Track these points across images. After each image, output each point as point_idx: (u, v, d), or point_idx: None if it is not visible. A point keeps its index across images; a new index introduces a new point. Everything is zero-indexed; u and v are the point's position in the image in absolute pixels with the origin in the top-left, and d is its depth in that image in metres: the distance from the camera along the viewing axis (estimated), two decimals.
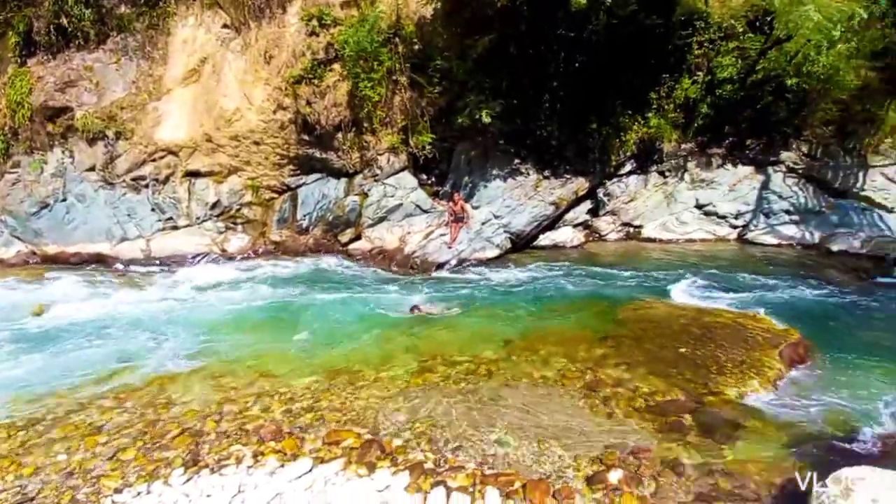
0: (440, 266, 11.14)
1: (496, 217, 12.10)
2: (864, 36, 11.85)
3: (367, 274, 10.95)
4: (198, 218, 12.05)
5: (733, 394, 5.85)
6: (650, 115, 12.82)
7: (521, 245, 12.48)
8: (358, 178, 12.31)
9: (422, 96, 11.87)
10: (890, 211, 12.35)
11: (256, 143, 11.91)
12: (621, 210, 13.50)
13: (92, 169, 11.67)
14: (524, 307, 8.76)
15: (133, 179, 11.76)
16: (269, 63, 11.84)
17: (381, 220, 12.14)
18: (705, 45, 12.56)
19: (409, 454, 4.81)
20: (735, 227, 13.32)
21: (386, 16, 11.44)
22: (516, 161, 12.49)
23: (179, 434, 5.18)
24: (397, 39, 11.55)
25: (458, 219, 11.52)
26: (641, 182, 13.51)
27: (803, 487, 4.07)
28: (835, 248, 11.99)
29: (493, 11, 10.59)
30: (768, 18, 12.01)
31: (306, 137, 11.91)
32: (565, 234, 13.06)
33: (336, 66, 11.77)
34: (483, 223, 11.92)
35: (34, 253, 11.52)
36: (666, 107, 12.86)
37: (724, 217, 13.30)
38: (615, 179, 13.38)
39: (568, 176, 12.66)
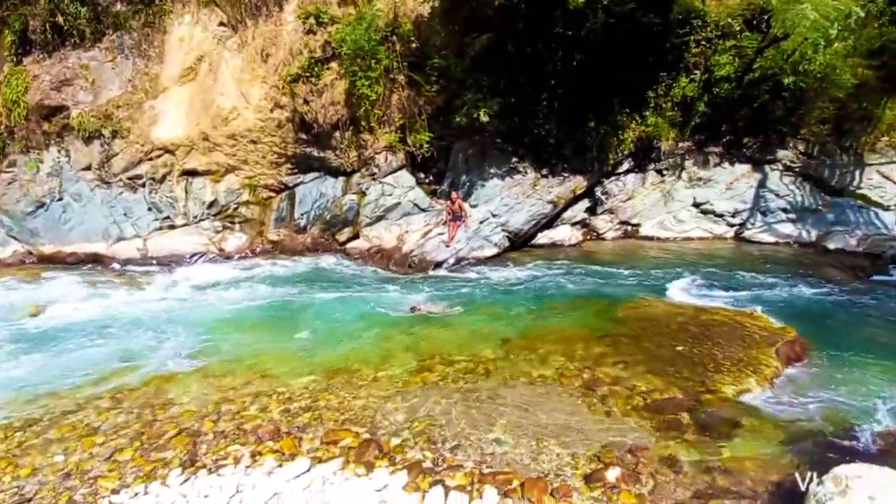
0: (438, 265, 11.14)
1: (494, 216, 12.10)
2: (861, 34, 11.87)
3: (366, 273, 10.94)
4: (195, 217, 12.02)
5: (730, 392, 5.87)
6: (648, 113, 12.83)
7: (520, 244, 12.49)
8: (356, 177, 12.29)
9: (419, 95, 11.85)
10: (886, 209, 12.39)
11: (254, 142, 11.87)
12: (619, 208, 13.51)
13: (88, 168, 11.62)
14: (522, 306, 8.77)
15: (129, 178, 11.71)
16: (266, 61, 11.80)
17: (379, 218, 12.13)
18: (702, 43, 12.57)
19: (407, 453, 4.81)
20: (732, 225, 13.35)
21: (383, 14, 11.41)
22: (514, 159, 12.49)
23: (177, 434, 5.17)
24: (395, 38, 11.52)
25: (456, 217, 11.51)
26: (639, 180, 13.53)
27: (801, 486, 4.09)
28: (831, 246, 12.03)
29: (491, 10, 10.57)
30: (765, 17, 12.02)
31: (304, 136, 11.88)
32: (563, 233, 13.07)
33: (333, 65, 11.73)
34: (481, 222, 11.92)
35: (30, 253, 11.47)
36: (663, 105, 12.87)
37: (721, 215, 13.33)
38: (613, 178, 13.39)
39: (566, 174, 12.67)
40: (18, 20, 11.17)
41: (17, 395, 5.99)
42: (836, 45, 11.45)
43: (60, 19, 11.17)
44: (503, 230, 12.06)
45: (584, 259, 11.68)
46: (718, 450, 4.83)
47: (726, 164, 13.40)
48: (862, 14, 10.20)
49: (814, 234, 12.50)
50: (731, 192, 13.27)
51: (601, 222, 13.54)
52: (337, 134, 11.87)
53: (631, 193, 13.48)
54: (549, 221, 12.85)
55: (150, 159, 11.74)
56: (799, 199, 12.91)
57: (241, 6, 11.74)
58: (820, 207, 12.78)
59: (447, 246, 11.42)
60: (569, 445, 4.90)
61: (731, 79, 12.48)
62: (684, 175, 13.45)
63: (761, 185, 13.13)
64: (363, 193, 12.18)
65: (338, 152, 12.04)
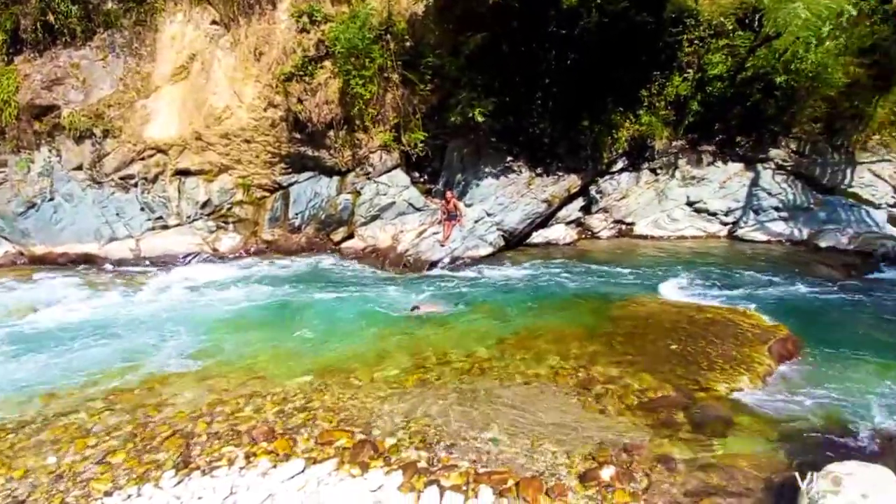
0: (433, 264, 11.13)
1: (489, 215, 12.10)
2: (853, 33, 11.95)
3: (361, 273, 10.91)
4: (188, 217, 11.95)
5: (724, 390, 5.90)
6: (641, 112, 12.87)
7: (514, 243, 12.50)
8: (350, 177, 12.26)
9: (414, 94, 11.84)
10: (877, 207, 12.51)
11: (247, 142, 11.81)
12: (613, 207, 13.55)
13: (79, 168, 11.52)
14: (517, 305, 8.78)
15: (121, 178, 11.62)
16: (259, 60, 11.74)
17: (374, 218, 12.10)
18: (695, 42, 12.63)
19: (402, 453, 4.81)
20: (725, 223, 13.43)
21: (377, 12, 11.39)
22: (509, 159, 12.50)
23: (170, 436, 5.14)
24: (389, 36, 11.49)
25: (451, 217, 11.52)
26: (633, 179, 13.58)
27: (795, 483, 4.12)
28: (823, 244, 12.12)
29: (485, 8, 10.56)
30: (757, 16, 12.09)
31: (298, 135, 11.84)
32: (558, 232, 13.09)
33: (327, 64, 11.69)
34: (476, 221, 11.92)
35: (21, 253, 11.37)
36: (657, 104, 12.92)
37: (714, 214, 13.41)
38: (607, 177, 13.44)
39: (560, 173, 12.70)
40: (9, 19, 11.06)
41: (8, 397, 5.94)
42: (827, 43, 11.53)
43: (51, 18, 11.06)
44: (498, 229, 12.07)
45: (579, 258, 11.71)
46: (712, 448, 4.85)
47: (719, 163, 13.48)
48: (854, 12, 10.25)
49: (805, 233, 12.59)
50: (724, 191, 13.35)
51: (596, 221, 13.58)
52: (331, 133, 11.84)
53: (625, 192, 13.53)
54: (544, 220, 12.88)
55: (143, 159, 11.65)
56: (791, 197, 13.00)
57: (233, 4, 11.67)
58: (812, 206, 12.88)
59: (442, 245, 11.42)
60: (563, 444, 4.91)
61: (723, 78, 12.55)
62: (678, 174, 13.51)
63: (754, 183, 13.22)
64: (358, 193, 12.16)
65: (332, 151, 12.00)
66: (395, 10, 11.72)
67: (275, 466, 4.62)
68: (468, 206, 12.02)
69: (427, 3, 11.60)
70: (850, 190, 12.79)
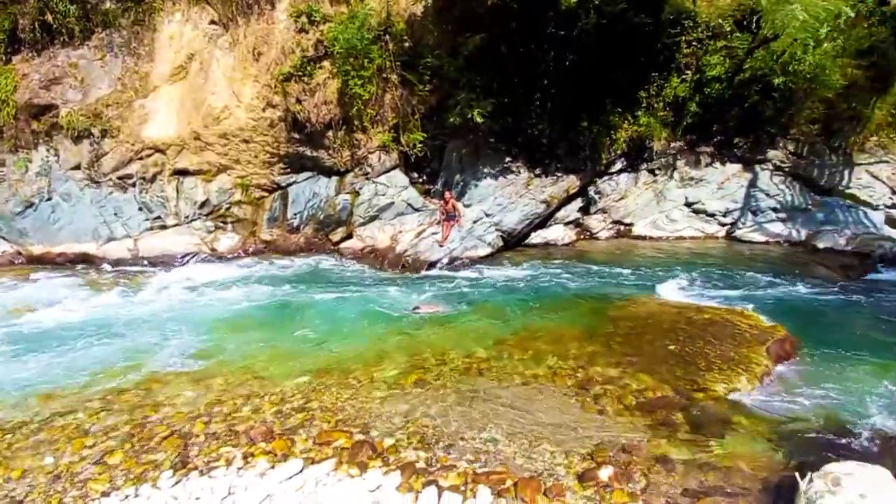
0: (432, 265, 11.13)
1: (488, 215, 12.11)
2: (851, 34, 11.98)
3: (361, 273, 10.91)
4: (186, 217, 11.92)
5: (722, 390, 5.91)
6: (640, 113, 12.89)
7: (513, 243, 12.51)
8: (349, 177, 12.26)
9: (412, 94, 11.84)
10: (875, 208, 12.55)
11: (246, 142, 11.80)
12: (612, 208, 13.57)
13: (77, 167, 11.49)
14: (516, 306, 8.78)
15: (119, 178, 11.59)
16: (257, 60, 11.73)
17: (373, 218, 12.10)
18: (694, 44, 12.65)
19: (400, 454, 4.81)
20: (723, 224, 13.45)
21: (376, 13, 11.39)
22: (507, 159, 12.50)
23: (168, 436, 5.13)
24: (387, 37, 11.49)
25: (450, 217, 11.52)
26: (632, 180, 13.59)
27: (793, 483, 4.13)
28: (821, 245, 12.15)
29: (484, 9, 10.57)
30: (755, 18, 12.11)
31: (296, 135, 11.83)
32: (556, 232, 13.10)
33: (326, 64, 11.69)
34: (475, 221, 11.93)
35: (19, 253, 11.32)
36: (655, 105, 12.94)
37: (712, 215, 13.43)
38: (606, 177, 13.45)
39: (559, 174, 12.71)
40: (8, 19, 11.03)
41: (6, 397, 5.92)
42: (825, 45, 11.56)
43: (50, 17, 11.03)
44: (497, 230, 12.07)
45: (578, 258, 11.72)
46: (710, 448, 4.87)
47: (717, 164, 13.51)
48: (851, 14, 10.27)
49: (803, 234, 12.62)
50: (722, 192, 13.37)
51: (594, 222, 13.60)
52: (330, 133, 11.84)
53: (623, 193, 13.54)
54: (543, 221, 12.89)
55: (141, 159, 11.63)
56: (789, 198, 13.03)
57: (232, 4, 11.66)
58: (809, 207, 12.91)
59: (441, 246, 11.42)
60: (562, 444, 4.92)
61: (721, 79, 12.57)
62: (676, 175, 13.53)
63: (752, 184, 13.25)
64: (356, 193, 12.15)
65: (331, 152, 12.00)
66: (393, 11, 11.72)
67: (273, 467, 4.62)
68: (467, 206, 12.03)
69: (426, 3, 11.61)
70: (848, 191, 12.82)
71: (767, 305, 8.43)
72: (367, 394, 5.91)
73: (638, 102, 12.85)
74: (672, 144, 13.38)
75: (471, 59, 11.29)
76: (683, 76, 12.78)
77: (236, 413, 5.55)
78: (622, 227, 13.66)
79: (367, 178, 12.14)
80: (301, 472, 4.55)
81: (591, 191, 13.41)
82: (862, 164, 12.82)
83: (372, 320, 8.20)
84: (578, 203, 13.43)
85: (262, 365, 6.67)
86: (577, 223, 13.54)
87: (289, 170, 12.20)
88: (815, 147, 13.01)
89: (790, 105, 12.71)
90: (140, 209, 11.72)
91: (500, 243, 12.12)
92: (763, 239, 12.87)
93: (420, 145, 11.84)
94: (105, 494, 4.35)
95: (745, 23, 12.57)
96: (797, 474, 4.09)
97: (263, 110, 11.69)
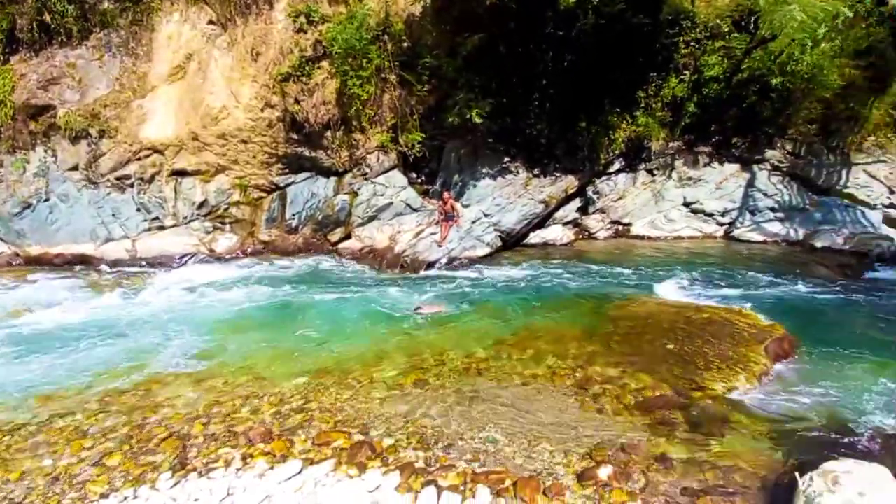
0: (430, 265, 11.13)
1: (486, 215, 12.11)
2: (849, 35, 12.00)
3: (360, 273, 10.90)
4: (185, 218, 11.90)
5: (720, 389, 5.93)
6: (638, 113, 12.90)
7: (512, 243, 12.51)
8: (347, 177, 12.25)
9: (411, 94, 11.83)
10: (872, 207, 12.58)
11: (244, 142, 11.78)
12: (610, 208, 13.58)
13: (75, 168, 11.46)
14: (515, 305, 8.79)
15: (117, 179, 11.57)
16: (256, 60, 11.72)
17: (371, 218, 12.09)
18: (692, 44, 12.66)
19: (399, 454, 4.81)
20: (722, 224, 13.48)
21: (374, 13, 11.38)
22: (506, 159, 12.51)
23: (167, 437, 5.12)
24: (386, 37, 11.48)
25: (449, 217, 11.52)
26: (630, 180, 13.61)
27: (792, 482, 4.13)
28: (818, 244, 12.18)
29: (483, 10, 10.56)
30: (753, 18, 12.13)
31: (295, 136, 11.81)
32: (555, 232, 13.11)
33: (324, 64, 11.68)
34: (473, 221, 11.93)
35: (17, 254, 11.29)
36: (654, 105, 12.96)
37: (711, 214, 13.45)
38: (604, 177, 13.46)
39: (557, 174, 12.71)
40: (6, 19, 11.00)
41: (4, 399, 5.90)
42: (823, 45, 11.58)
43: (48, 18, 11.00)
44: (495, 230, 12.08)
45: (576, 258, 11.73)
46: (709, 447, 4.88)
47: (716, 164, 13.53)
48: (850, 15, 10.30)
49: (801, 233, 12.65)
50: (720, 192, 13.39)
51: (593, 222, 13.61)
52: (328, 133, 11.82)
53: (622, 193, 13.56)
54: (541, 221, 12.89)
55: (139, 159, 11.60)
56: (787, 198, 13.06)
57: (230, 4, 11.64)
58: (807, 206, 12.94)
59: (439, 246, 11.42)
60: (561, 444, 4.92)
61: (719, 79, 12.59)
62: (674, 175, 13.55)
63: (750, 184, 13.27)
64: (355, 193, 12.14)
65: (329, 152, 11.99)
66: (392, 11, 11.72)
67: (272, 468, 4.61)
68: (465, 206, 12.03)
69: (424, 3, 11.60)
70: (846, 191, 12.86)
71: (766, 304, 8.45)
72: (366, 394, 5.91)
73: (636, 102, 12.87)
74: (670, 144, 13.40)
75: (469, 59, 11.29)
76: (682, 76, 12.80)
77: (235, 414, 5.54)
78: (620, 227, 13.67)
79: (366, 179, 12.13)
80: (300, 472, 4.54)
81: (590, 191, 13.42)
82: (860, 163, 12.86)
83: (372, 321, 8.20)
84: (577, 203, 13.44)
85: (262, 366, 6.67)
86: (575, 223, 13.55)
87: (287, 170, 12.19)
88: (813, 147, 13.04)
89: (788, 105, 12.74)
90: (138, 210, 11.70)
91: (499, 243, 12.12)
92: (761, 238, 12.90)
93: (418, 145, 11.84)
94: (104, 496, 4.34)
95: (743, 23, 12.59)
96: (796, 473, 4.10)
97: (262, 110, 11.68)
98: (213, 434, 5.18)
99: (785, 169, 13.22)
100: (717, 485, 4.37)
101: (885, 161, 12.81)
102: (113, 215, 11.59)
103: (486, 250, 11.77)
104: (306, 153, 11.98)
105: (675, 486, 4.38)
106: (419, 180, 12.76)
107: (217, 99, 11.65)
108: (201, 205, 11.92)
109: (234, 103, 11.66)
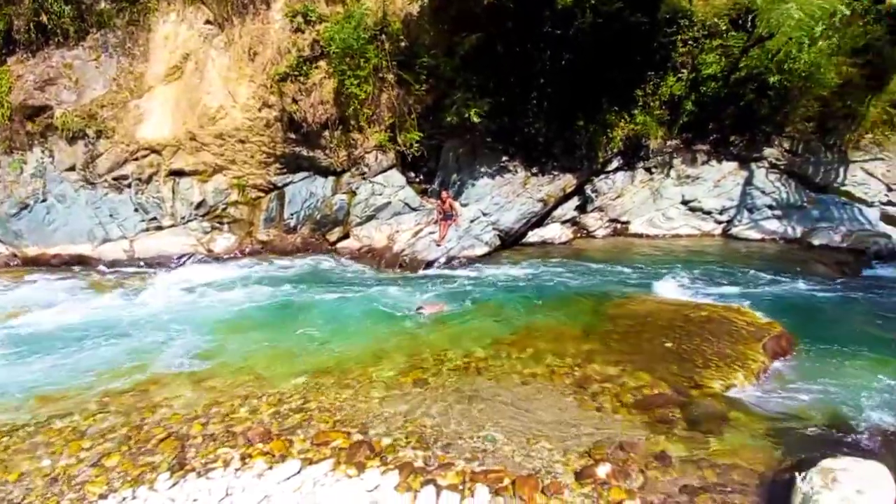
0: (429, 264, 11.12)
1: (485, 214, 12.11)
2: (846, 33, 12.00)
3: (357, 273, 10.89)
4: (182, 218, 11.88)
5: (718, 387, 5.94)
6: (636, 112, 12.91)
7: (510, 242, 12.52)
8: (346, 177, 12.23)
9: (409, 94, 11.82)
10: (870, 205, 12.60)
11: (242, 142, 11.76)
12: (609, 206, 13.59)
13: (72, 168, 11.44)
14: (514, 304, 8.79)
15: (115, 179, 11.54)
16: (253, 60, 11.69)
17: (370, 218, 12.09)
18: (689, 42, 12.68)
19: (398, 453, 4.81)
20: (720, 222, 13.49)
21: (372, 12, 11.35)
22: (504, 158, 12.50)
23: (165, 438, 5.12)
24: (384, 36, 11.47)
25: (447, 216, 11.51)
26: (628, 178, 13.62)
27: (790, 479, 4.14)
28: (816, 242, 12.20)
29: (480, 9, 10.56)
30: (751, 16, 12.14)
31: (293, 135, 11.79)
32: (554, 231, 13.12)
33: (322, 64, 11.66)
34: (472, 221, 11.93)
35: (15, 255, 11.27)
36: (651, 104, 12.96)
37: (709, 212, 13.47)
38: (602, 176, 13.47)
39: (556, 173, 12.71)
40: (2, 20, 10.98)
41: (3, 400, 5.89)
42: (820, 43, 11.58)
43: (44, 18, 10.98)
44: (494, 229, 12.08)
45: (575, 257, 11.73)
46: (707, 444, 4.89)
47: (713, 162, 13.54)
48: (847, 12, 10.29)
49: (799, 231, 12.67)
50: (718, 190, 13.41)
51: (591, 220, 13.62)
52: (326, 133, 11.81)
53: (620, 191, 13.57)
54: (540, 220, 12.90)
55: (136, 159, 11.58)
56: (784, 196, 13.08)
57: (227, 4, 11.61)
58: (805, 204, 12.96)
59: (438, 245, 11.41)
60: (560, 442, 4.93)
61: (717, 78, 12.60)
62: (672, 173, 13.56)
63: (748, 182, 13.29)
64: (353, 193, 12.14)
65: (327, 152, 11.97)
66: (390, 10, 11.70)
67: (271, 468, 4.61)
68: (464, 205, 12.02)
69: (422, 3, 11.59)
70: (843, 188, 12.88)
71: (764, 302, 8.46)
72: (365, 394, 5.91)
73: (634, 101, 12.88)
74: (668, 143, 13.41)
75: (467, 58, 11.28)
76: (679, 75, 12.81)
77: (234, 414, 5.54)
78: (619, 226, 13.68)
79: (364, 178, 12.12)
80: (299, 472, 4.54)
81: (588, 189, 13.44)
82: (857, 161, 12.88)
83: (373, 320, 8.19)
84: (575, 202, 13.45)
85: (261, 366, 6.66)
86: (573, 222, 13.56)
87: (285, 170, 12.17)
88: (811, 145, 13.06)
89: (785, 103, 12.75)
90: (136, 210, 11.68)
91: (498, 242, 12.12)
92: (759, 236, 12.92)
93: (417, 145, 11.83)
94: (102, 497, 4.34)
95: (740, 21, 12.59)
96: (794, 470, 4.11)
97: (259, 110, 11.66)
98: (212, 434, 5.17)
99: (782, 167, 13.24)
100: (716, 482, 4.38)
101: (882, 158, 12.82)
102: (110, 216, 11.57)
103: (485, 249, 11.77)
104: (304, 153, 11.97)
105: (674, 483, 4.38)
106: (417, 180, 12.75)
107: (214, 99, 11.62)
108: (199, 205, 11.90)
109: (232, 103, 11.64)
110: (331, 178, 12.29)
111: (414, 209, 12.16)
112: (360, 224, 12.10)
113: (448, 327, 7.88)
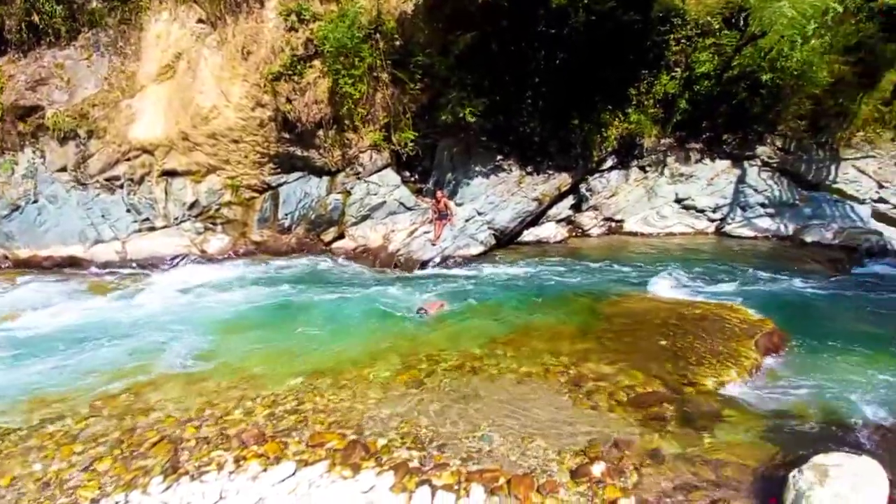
0: (424, 264, 11.12)
1: (480, 214, 12.11)
2: (838, 31, 12.06)
3: (352, 273, 10.86)
4: (175, 218, 11.81)
5: (711, 384, 5.97)
6: (630, 110, 12.94)
7: (505, 241, 12.52)
8: (340, 176, 12.19)
9: (404, 93, 11.79)
10: (861, 202, 12.70)
11: (235, 142, 11.70)
12: (603, 205, 13.63)
13: (63, 169, 11.33)
14: (508, 303, 8.80)
15: (107, 179, 11.45)
16: (246, 59, 11.63)
17: (365, 218, 12.06)
18: (683, 41, 12.72)
19: (393, 454, 4.80)
20: (713, 220, 13.56)
21: (366, 11, 11.32)
22: (499, 157, 12.51)
23: (158, 441, 5.08)
24: (378, 35, 11.43)
25: (442, 216, 11.51)
26: (622, 177, 13.66)
27: (781, 475, 4.17)
28: (808, 239, 12.29)
29: (475, 8, 10.56)
30: (743, 15, 12.20)
31: (286, 135, 11.74)
32: (549, 230, 13.14)
33: (316, 63, 11.61)
34: (467, 220, 11.93)
35: (6, 257, 11.16)
36: (645, 102, 13.00)
37: (702, 211, 13.53)
38: (597, 175, 13.50)
39: (550, 172, 12.73)
40: None
41: None
42: (812, 41, 11.63)
43: (36, 18, 10.87)
44: (489, 228, 12.08)
45: (570, 256, 11.76)
46: (701, 441, 4.91)
47: (707, 161, 13.60)
48: (839, 10, 10.32)
49: (791, 228, 12.75)
50: (711, 188, 13.48)
51: (586, 219, 13.65)
52: (320, 133, 11.76)
53: (615, 190, 13.61)
54: (535, 219, 12.92)
55: (128, 160, 11.49)
56: (777, 193, 13.16)
57: (220, 2, 11.53)
58: (797, 202, 13.04)
59: (433, 244, 11.41)
60: (555, 441, 4.94)
61: (710, 76, 12.66)
62: (666, 171, 13.62)
63: (740, 180, 13.36)
64: (348, 193, 12.10)
65: (322, 151, 11.93)
66: (384, 9, 11.66)
67: (265, 470, 4.59)
68: (459, 205, 12.03)
69: (416, 2, 11.57)
70: (835, 186, 12.97)
71: (756, 299, 8.51)
72: (361, 394, 5.89)
73: (628, 100, 12.91)
74: (662, 141, 13.46)
75: (462, 57, 11.27)
76: (673, 73, 12.85)
77: (228, 416, 5.51)
78: (613, 224, 13.72)
79: (359, 178, 12.09)
80: (294, 474, 4.53)
81: (583, 188, 13.47)
82: (849, 159, 12.97)
83: (370, 321, 8.17)
84: (570, 200, 13.48)
85: (254, 367, 6.63)
86: (568, 220, 13.58)
87: (279, 170, 12.12)
88: (803, 143, 13.14)
89: (778, 101, 12.82)
90: (128, 211, 11.59)
91: (493, 241, 12.13)
92: (752, 234, 12.99)
93: (411, 144, 11.81)
94: (94, 501, 4.31)
95: (733, 20, 12.65)
96: (787, 466, 4.13)
97: (253, 110, 11.60)
98: (206, 437, 5.14)
99: (775, 165, 13.32)
100: (709, 479, 4.41)
101: (873, 156, 12.92)
102: (102, 217, 11.48)
103: (480, 248, 11.77)
104: (298, 152, 11.92)
105: (668, 481, 4.40)
106: (412, 179, 12.74)
107: (207, 98, 11.55)
108: (192, 205, 11.83)
109: (225, 103, 11.57)
110: (325, 178, 12.25)
111: (409, 209, 12.14)
112: (355, 224, 12.07)
113: (444, 327, 7.88)
